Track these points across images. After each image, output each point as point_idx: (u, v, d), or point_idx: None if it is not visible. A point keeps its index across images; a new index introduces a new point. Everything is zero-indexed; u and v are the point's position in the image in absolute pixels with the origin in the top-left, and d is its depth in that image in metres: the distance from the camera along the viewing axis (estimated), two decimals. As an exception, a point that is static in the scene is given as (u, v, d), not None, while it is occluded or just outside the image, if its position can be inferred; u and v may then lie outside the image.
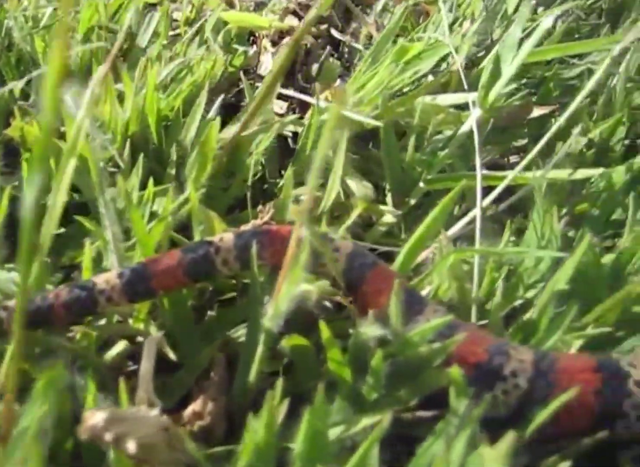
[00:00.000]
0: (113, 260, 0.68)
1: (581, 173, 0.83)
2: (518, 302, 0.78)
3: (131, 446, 0.50)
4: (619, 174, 0.95)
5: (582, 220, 0.97)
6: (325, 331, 0.63)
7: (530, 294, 0.80)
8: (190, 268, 0.68)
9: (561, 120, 0.86)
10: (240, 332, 0.73)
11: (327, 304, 0.68)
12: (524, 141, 1.08)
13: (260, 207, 0.79)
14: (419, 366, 0.67)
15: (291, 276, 0.62)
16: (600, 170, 0.84)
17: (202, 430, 0.65)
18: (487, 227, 0.79)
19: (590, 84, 0.88)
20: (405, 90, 0.95)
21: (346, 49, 1.13)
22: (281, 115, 0.97)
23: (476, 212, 0.79)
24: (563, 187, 0.96)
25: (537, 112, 1.03)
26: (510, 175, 0.80)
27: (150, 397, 0.60)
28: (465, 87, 0.92)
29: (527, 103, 1.04)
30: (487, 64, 0.94)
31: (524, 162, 0.83)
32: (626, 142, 1.11)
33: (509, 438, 0.53)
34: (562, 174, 0.83)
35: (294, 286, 0.64)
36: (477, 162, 0.82)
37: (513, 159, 1.11)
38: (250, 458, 0.56)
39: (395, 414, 0.67)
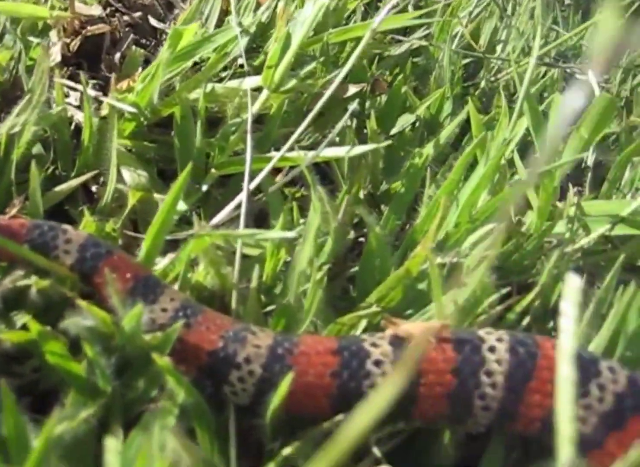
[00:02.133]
0: None
1: (358, 149, 0.81)
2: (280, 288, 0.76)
3: None
4: (425, 152, 0.93)
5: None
6: (34, 326, 0.60)
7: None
8: None
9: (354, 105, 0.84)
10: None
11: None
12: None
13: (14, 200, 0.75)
14: (148, 355, 0.64)
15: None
16: (370, 146, 0.82)
17: None
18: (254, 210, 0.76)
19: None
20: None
21: (164, 37, 1.10)
22: (77, 107, 0.94)
23: (242, 196, 0.76)
24: (366, 165, 0.94)
25: (352, 90, 1.01)
26: (276, 157, 0.77)
27: None
28: (247, 68, 0.89)
29: (343, 83, 1.01)
30: (272, 43, 0.92)
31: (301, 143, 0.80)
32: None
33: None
34: (339, 151, 0.81)
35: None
36: (248, 144, 0.79)
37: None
38: None
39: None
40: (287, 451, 0.64)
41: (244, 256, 0.84)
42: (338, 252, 0.82)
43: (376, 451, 0.65)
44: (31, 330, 0.60)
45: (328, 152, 0.80)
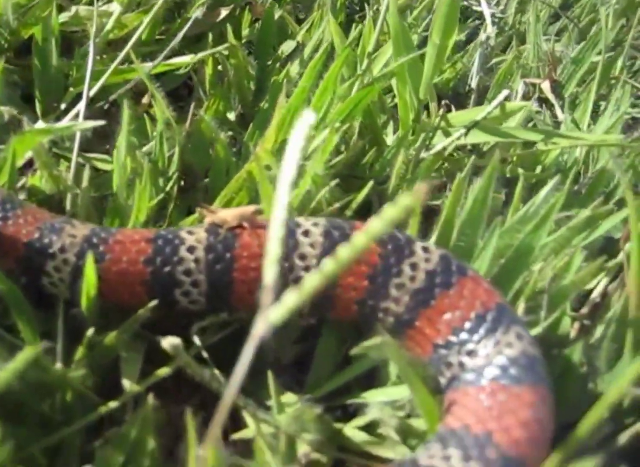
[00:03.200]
0: None
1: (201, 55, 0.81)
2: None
3: None
4: (291, 70, 0.93)
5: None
6: None
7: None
8: None
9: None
10: None
11: None
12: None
13: None
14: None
15: None
16: (219, 48, 0.82)
17: None
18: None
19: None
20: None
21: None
22: None
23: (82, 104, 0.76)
24: (229, 83, 0.93)
25: (224, 13, 1.00)
26: (114, 63, 0.77)
27: None
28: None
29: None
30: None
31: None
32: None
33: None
34: (184, 58, 0.81)
35: None
36: (91, 51, 0.78)
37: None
38: None
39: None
40: (108, 339, 0.63)
41: (97, 170, 0.85)
42: (189, 161, 0.82)
43: (197, 340, 0.65)
44: None
45: (174, 60, 0.79)
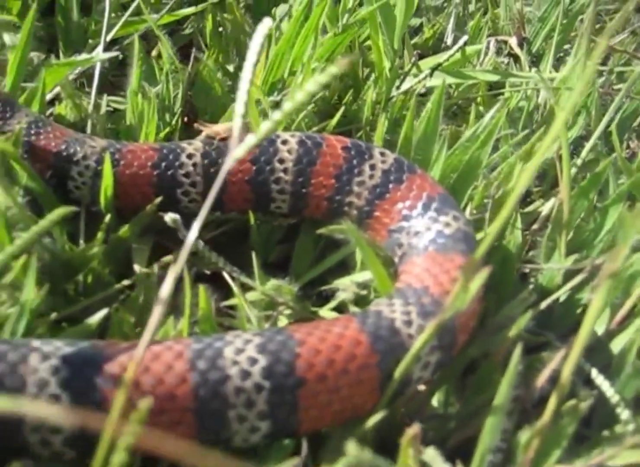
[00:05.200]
0: None
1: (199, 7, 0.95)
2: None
3: None
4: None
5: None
6: None
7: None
8: None
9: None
10: None
11: None
12: None
13: None
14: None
15: None
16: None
17: None
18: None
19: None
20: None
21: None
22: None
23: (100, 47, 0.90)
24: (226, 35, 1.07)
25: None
26: (126, 15, 0.91)
27: None
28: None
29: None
30: None
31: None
32: None
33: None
34: (189, 10, 0.95)
35: None
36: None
37: None
38: None
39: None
40: (122, 231, 0.77)
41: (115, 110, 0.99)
42: (192, 99, 0.96)
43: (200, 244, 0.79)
44: None
45: (182, 12, 0.93)
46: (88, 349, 0.57)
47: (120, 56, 1.02)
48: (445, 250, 0.70)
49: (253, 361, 0.57)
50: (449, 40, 1.23)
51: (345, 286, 0.78)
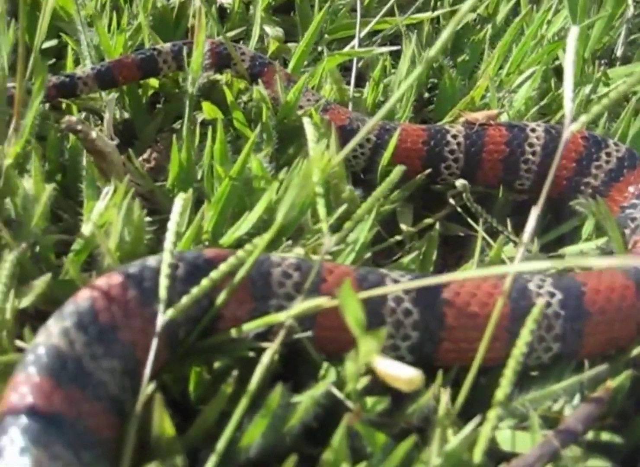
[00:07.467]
0: (88, 62, 0.98)
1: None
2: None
3: (93, 134, 0.79)
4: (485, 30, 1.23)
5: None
6: (228, 95, 0.93)
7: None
8: (141, 64, 0.98)
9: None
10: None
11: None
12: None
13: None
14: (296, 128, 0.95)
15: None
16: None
17: (150, 170, 0.94)
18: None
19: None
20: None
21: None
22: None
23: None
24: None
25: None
26: (377, 17, 1.09)
27: (111, 135, 0.89)
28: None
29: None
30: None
31: None
32: None
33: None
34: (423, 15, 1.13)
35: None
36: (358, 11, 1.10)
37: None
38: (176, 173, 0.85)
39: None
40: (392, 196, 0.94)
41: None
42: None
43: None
44: (227, 98, 0.92)
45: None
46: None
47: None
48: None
49: (552, 295, 0.73)
50: (618, 52, 1.38)
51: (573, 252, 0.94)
